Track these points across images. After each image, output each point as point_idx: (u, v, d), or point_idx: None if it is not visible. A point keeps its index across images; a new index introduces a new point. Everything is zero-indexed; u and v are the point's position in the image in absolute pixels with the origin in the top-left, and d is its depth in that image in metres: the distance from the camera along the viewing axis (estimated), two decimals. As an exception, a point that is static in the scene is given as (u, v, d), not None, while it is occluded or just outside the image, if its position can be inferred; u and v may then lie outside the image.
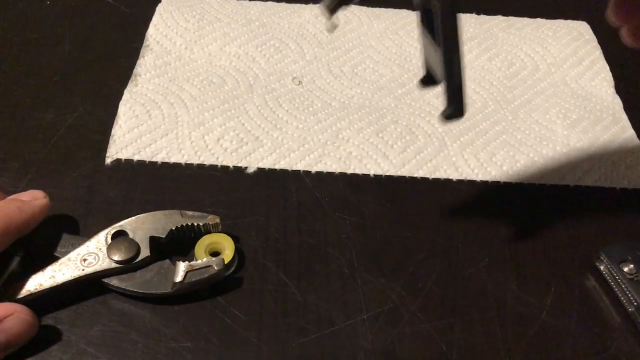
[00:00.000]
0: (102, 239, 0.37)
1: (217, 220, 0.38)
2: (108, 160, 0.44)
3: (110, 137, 0.45)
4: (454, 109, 0.33)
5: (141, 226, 0.37)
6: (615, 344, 0.37)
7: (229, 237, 0.38)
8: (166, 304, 0.36)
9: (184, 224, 0.38)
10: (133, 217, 0.38)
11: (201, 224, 0.38)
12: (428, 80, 0.35)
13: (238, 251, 0.38)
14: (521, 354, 0.36)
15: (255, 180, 0.43)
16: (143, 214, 0.38)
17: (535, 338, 0.37)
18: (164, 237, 0.37)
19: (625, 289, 0.38)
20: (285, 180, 0.44)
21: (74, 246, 0.36)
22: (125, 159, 0.44)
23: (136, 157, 0.44)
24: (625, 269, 0.38)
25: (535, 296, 0.39)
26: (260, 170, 0.44)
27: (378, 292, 0.38)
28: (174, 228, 0.38)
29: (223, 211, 0.40)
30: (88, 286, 0.36)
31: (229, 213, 0.41)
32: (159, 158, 0.44)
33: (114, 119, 0.46)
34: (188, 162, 0.44)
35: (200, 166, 0.44)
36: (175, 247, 0.38)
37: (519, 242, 0.42)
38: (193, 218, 0.38)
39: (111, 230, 0.37)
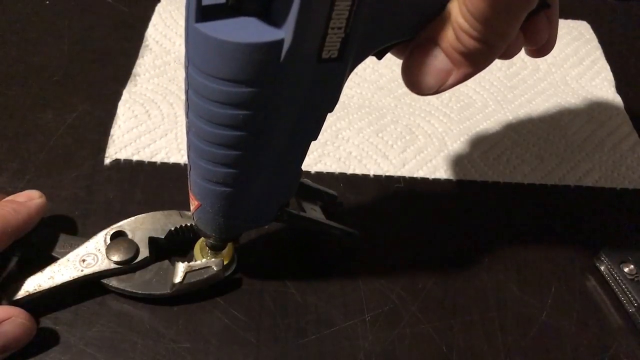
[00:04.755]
0: (101, 239, 0.36)
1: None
2: (107, 161, 0.44)
3: (110, 137, 0.45)
4: (348, 240, 0.39)
5: (140, 227, 0.37)
6: (615, 344, 0.37)
7: (228, 238, 0.38)
8: (165, 304, 0.36)
9: (183, 225, 0.38)
10: (132, 218, 0.38)
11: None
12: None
13: (237, 251, 0.38)
14: (521, 355, 0.36)
15: (255, 181, 0.43)
16: (142, 215, 0.38)
17: (535, 339, 0.37)
18: (163, 237, 0.37)
19: (625, 289, 0.38)
20: (284, 181, 0.43)
21: (73, 247, 0.36)
22: (124, 159, 0.44)
23: (135, 157, 0.44)
24: (626, 270, 0.38)
25: (536, 297, 0.38)
26: (260, 171, 0.44)
27: (378, 292, 0.38)
28: (173, 228, 0.38)
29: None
30: (87, 287, 0.36)
31: (228, 213, 0.41)
32: (158, 158, 0.44)
33: (113, 119, 0.46)
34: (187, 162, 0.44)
35: (200, 166, 0.44)
36: (175, 248, 0.38)
37: (519, 242, 0.41)
38: (192, 219, 0.38)
39: (110, 230, 0.37)
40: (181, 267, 0.35)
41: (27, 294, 0.34)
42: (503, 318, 0.37)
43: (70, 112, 0.47)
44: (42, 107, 0.47)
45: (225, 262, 0.36)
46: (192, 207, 0.33)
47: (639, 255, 0.39)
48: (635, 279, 0.38)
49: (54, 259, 0.36)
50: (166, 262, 0.37)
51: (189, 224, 0.38)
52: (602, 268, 0.39)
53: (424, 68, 0.28)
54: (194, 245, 0.38)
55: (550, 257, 0.41)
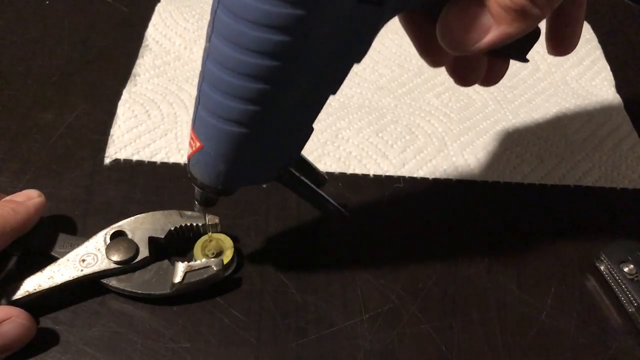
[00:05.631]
0: (100, 239, 0.36)
1: (216, 220, 0.38)
2: (107, 161, 0.44)
3: (109, 137, 0.45)
4: (337, 218, 0.39)
5: (140, 226, 0.37)
6: (615, 344, 0.37)
7: (228, 238, 0.38)
8: (165, 304, 0.36)
9: (183, 224, 0.38)
10: (132, 218, 0.38)
11: (200, 224, 0.38)
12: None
13: (237, 251, 0.38)
14: (521, 355, 0.36)
15: (255, 181, 0.43)
16: (142, 214, 0.38)
17: (535, 338, 0.36)
18: (163, 237, 0.37)
19: (625, 289, 0.38)
20: (284, 181, 0.43)
21: (73, 246, 0.36)
22: (124, 159, 0.44)
23: (135, 157, 0.44)
24: (626, 269, 0.38)
25: (535, 296, 0.38)
26: (260, 171, 0.44)
27: (377, 292, 0.38)
28: (173, 228, 0.38)
29: (222, 211, 0.40)
30: (87, 287, 0.36)
31: (228, 213, 0.40)
32: (158, 158, 0.44)
33: (113, 119, 0.46)
34: (187, 162, 0.44)
35: (200, 166, 0.44)
36: (174, 248, 0.38)
37: (519, 242, 0.41)
38: (192, 218, 0.38)
39: (110, 230, 0.37)
40: (181, 267, 0.35)
41: (27, 293, 0.34)
42: (503, 318, 0.37)
43: (70, 112, 0.47)
44: (42, 107, 0.47)
45: (224, 262, 0.36)
46: (190, 150, 0.30)
47: (639, 255, 0.39)
48: (635, 278, 0.38)
49: (53, 259, 0.36)
50: (166, 262, 0.37)
51: (188, 224, 0.38)
52: (602, 268, 0.39)
53: (462, 21, 0.27)
54: (194, 245, 0.38)
55: (550, 257, 0.41)
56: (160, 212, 0.38)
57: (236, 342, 0.35)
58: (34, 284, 0.34)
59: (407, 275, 0.39)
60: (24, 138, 0.45)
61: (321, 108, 0.29)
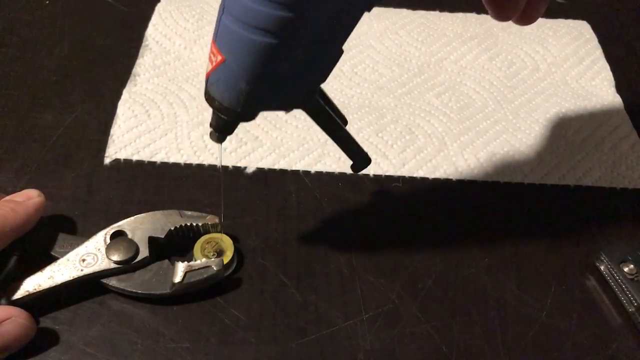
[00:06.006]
0: (100, 239, 0.36)
1: (217, 220, 0.38)
2: (107, 160, 0.44)
3: (109, 137, 0.45)
4: (360, 163, 0.37)
5: (140, 226, 0.37)
6: (615, 344, 0.37)
7: (228, 237, 0.38)
8: (165, 304, 0.36)
9: (183, 224, 0.38)
10: (132, 217, 0.38)
11: (200, 224, 0.38)
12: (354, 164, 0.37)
13: (237, 251, 0.38)
14: (521, 355, 0.36)
15: (255, 180, 0.43)
16: (142, 214, 0.38)
17: (535, 338, 0.37)
18: (163, 237, 0.37)
19: (625, 289, 0.38)
20: (284, 180, 0.43)
21: (73, 246, 0.36)
22: (124, 159, 0.44)
23: (135, 157, 0.44)
24: (626, 269, 0.38)
25: (535, 296, 0.38)
26: (260, 170, 0.44)
27: (377, 292, 0.38)
28: (173, 228, 0.38)
29: (222, 211, 0.40)
30: (87, 286, 0.36)
31: (228, 213, 0.40)
32: (158, 158, 0.44)
33: (113, 119, 0.46)
34: (187, 162, 0.44)
35: (200, 166, 0.44)
36: (175, 248, 0.38)
37: (519, 242, 0.41)
38: (192, 218, 0.38)
39: (110, 230, 0.37)
40: (181, 267, 0.35)
41: (27, 293, 0.34)
42: (503, 318, 0.37)
43: (69, 112, 0.47)
44: (42, 107, 0.47)
45: (225, 262, 0.36)
46: (210, 66, 0.28)
47: (639, 255, 0.39)
48: (635, 278, 0.38)
49: (53, 259, 0.36)
50: (166, 261, 0.37)
51: (188, 224, 0.38)
52: (602, 268, 0.39)
53: None
54: (194, 245, 0.38)
55: (550, 257, 0.41)
56: (160, 212, 0.38)
57: (236, 341, 0.35)
58: (34, 284, 0.34)
59: (407, 275, 0.39)
60: (24, 138, 0.45)
61: (354, 26, 0.28)
